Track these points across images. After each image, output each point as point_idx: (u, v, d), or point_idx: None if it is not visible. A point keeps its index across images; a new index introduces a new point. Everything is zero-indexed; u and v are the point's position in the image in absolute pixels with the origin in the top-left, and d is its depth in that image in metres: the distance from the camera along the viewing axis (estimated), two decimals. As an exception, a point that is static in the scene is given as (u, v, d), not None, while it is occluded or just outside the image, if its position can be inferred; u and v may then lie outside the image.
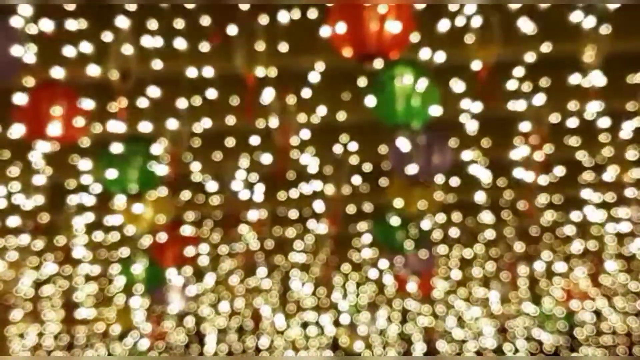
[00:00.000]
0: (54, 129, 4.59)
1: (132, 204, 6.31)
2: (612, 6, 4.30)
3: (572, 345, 13.47)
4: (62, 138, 4.66)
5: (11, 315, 10.53)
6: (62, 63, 4.46)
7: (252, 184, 6.70)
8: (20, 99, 4.57)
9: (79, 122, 4.76)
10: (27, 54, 4.13)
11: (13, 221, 7.02)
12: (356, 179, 6.70)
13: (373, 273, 9.79)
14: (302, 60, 4.73)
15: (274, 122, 5.32)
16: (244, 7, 4.32)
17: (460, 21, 4.40)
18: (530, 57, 4.73)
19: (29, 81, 4.63)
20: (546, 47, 4.59)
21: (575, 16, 4.34)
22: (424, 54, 4.53)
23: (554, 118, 5.62)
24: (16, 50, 4.00)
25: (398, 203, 6.45)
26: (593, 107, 5.18)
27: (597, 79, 4.78)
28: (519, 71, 4.98)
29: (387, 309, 11.96)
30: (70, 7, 4.24)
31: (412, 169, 5.49)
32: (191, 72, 4.72)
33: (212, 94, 5.01)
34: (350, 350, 12.50)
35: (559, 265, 9.66)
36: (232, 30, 4.40)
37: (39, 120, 4.58)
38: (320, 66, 4.81)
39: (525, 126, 5.59)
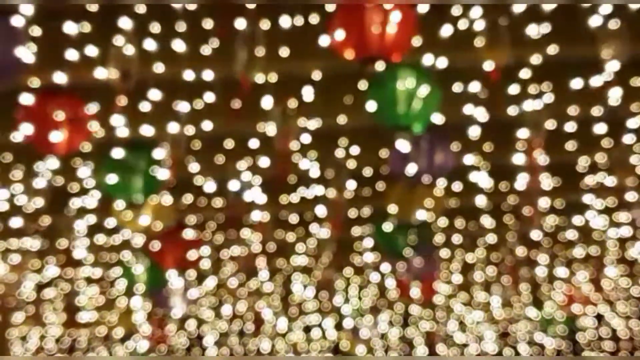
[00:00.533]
0: (59, 136, 4.59)
1: (132, 208, 6.32)
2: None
3: (574, 349, 13.46)
4: (67, 146, 4.66)
5: (13, 318, 10.52)
6: (65, 66, 4.46)
7: (254, 187, 6.70)
8: (24, 103, 4.58)
9: (84, 128, 4.76)
10: (29, 55, 4.13)
11: (15, 224, 7.03)
12: (357, 183, 6.70)
13: (375, 277, 9.78)
14: (302, 65, 4.73)
15: (274, 126, 5.31)
16: (247, 9, 4.32)
17: (464, 24, 4.39)
18: (536, 59, 4.72)
19: (33, 84, 4.63)
20: (552, 50, 4.58)
21: (584, 18, 4.33)
22: (427, 57, 4.53)
23: (555, 122, 5.60)
24: (19, 52, 4.00)
25: (395, 209, 6.44)
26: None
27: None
28: (522, 75, 4.97)
29: (389, 313, 11.95)
30: (74, 9, 4.24)
31: (413, 171, 5.48)
32: (192, 75, 4.72)
33: (213, 97, 5.01)
34: (352, 354, 12.49)
35: (560, 270, 9.65)
36: (233, 33, 4.40)
37: (44, 129, 4.58)
38: (320, 70, 4.81)
39: (527, 131, 5.58)
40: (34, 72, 4.48)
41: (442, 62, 4.61)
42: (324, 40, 4.26)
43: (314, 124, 5.36)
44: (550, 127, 5.59)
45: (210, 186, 6.60)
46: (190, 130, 5.40)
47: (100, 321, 11.02)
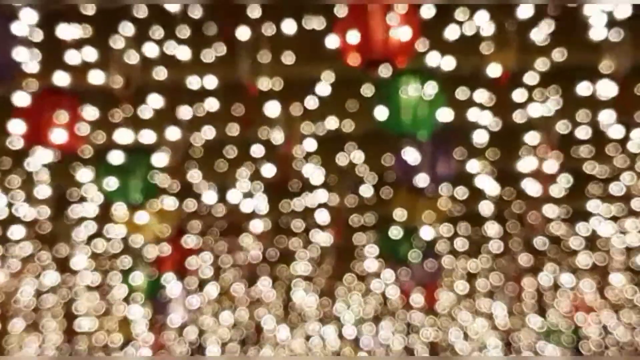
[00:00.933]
0: (56, 136, 4.55)
1: (134, 214, 6.30)
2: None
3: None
4: (63, 146, 4.62)
5: (11, 326, 10.48)
6: (65, 70, 4.42)
7: (255, 194, 6.66)
8: (21, 104, 4.53)
9: (81, 129, 4.72)
10: (29, 58, 4.09)
11: (14, 231, 7.00)
12: (361, 190, 6.65)
13: (377, 285, 9.73)
14: (307, 70, 4.69)
15: (278, 131, 5.28)
16: (250, 15, 4.28)
17: (469, 28, 4.34)
18: (541, 64, 4.67)
19: (31, 86, 4.58)
20: (559, 55, 4.53)
21: (589, 24, 4.28)
22: (432, 61, 4.48)
23: (563, 128, 5.55)
24: (17, 53, 3.95)
25: (402, 214, 6.40)
26: (606, 117, 5.12)
27: (609, 88, 4.72)
28: (528, 80, 4.92)
29: (391, 321, 11.91)
30: (75, 13, 4.19)
31: (417, 178, 5.45)
32: (194, 81, 4.68)
33: (215, 103, 4.97)
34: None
35: (565, 278, 9.60)
36: (237, 39, 4.36)
37: (40, 127, 4.54)
38: (326, 76, 4.76)
39: (533, 137, 5.54)
40: (34, 76, 4.43)
41: (447, 66, 4.56)
42: (328, 45, 4.21)
43: (326, 123, 5.32)
44: (556, 133, 5.55)
45: (211, 192, 6.55)
46: (191, 136, 5.36)
47: (99, 328, 10.98)
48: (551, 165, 5.83)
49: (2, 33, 3.96)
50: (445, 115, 4.81)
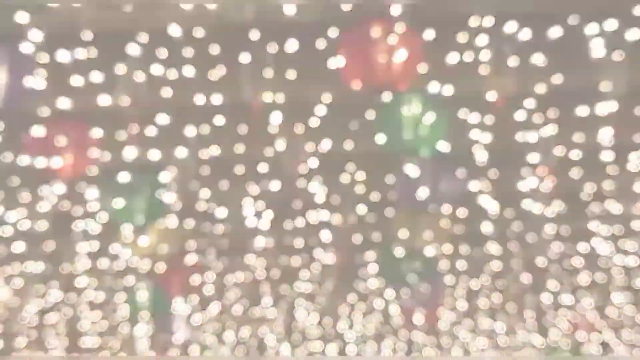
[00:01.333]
0: (65, 160, 4.59)
1: (138, 232, 6.32)
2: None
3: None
4: (72, 169, 4.66)
5: (15, 343, 10.47)
6: (72, 92, 4.46)
7: (259, 212, 6.68)
8: (32, 129, 4.59)
9: (89, 152, 4.77)
10: (37, 82, 4.14)
11: (19, 248, 7.02)
12: (363, 209, 6.68)
13: (379, 303, 9.74)
14: (310, 90, 4.73)
15: (282, 150, 5.31)
16: (254, 35, 4.33)
17: (470, 53, 4.39)
18: (541, 88, 4.72)
19: (43, 111, 4.63)
20: (557, 79, 4.58)
21: (589, 47, 4.33)
22: (434, 84, 4.53)
23: (563, 150, 5.59)
24: (27, 80, 4.01)
25: (404, 233, 6.42)
26: (606, 136, 5.17)
27: (609, 108, 4.77)
28: (528, 103, 4.97)
29: (393, 340, 11.89)
30: (81, 35, 4.25)
31: (419, 197, 5.47)
32: (200, 100, 4.73)
33: (220, 121, 5.01)
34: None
35: (565, 297, 9.60)
36: (241, 58, 4.41)
37: (51, 152, 4.59)
38: (328, 95, 4.81)
39: (534, 158, 5.58)
40: (41, 98, 4.48)
41: (449, 90, 4.61)
42: (331, 66, 4.26)
43: (329, 142, 5.36)
44: (557, 154, 5.59)
45: (214, 211, 6.59)
46: (196, 154, 5.40)
47: (102, 347, 10.97)
48: (551, 186, 5.87)
49: (13, 56, 4.03)
50: (446, 137, 4.86)
